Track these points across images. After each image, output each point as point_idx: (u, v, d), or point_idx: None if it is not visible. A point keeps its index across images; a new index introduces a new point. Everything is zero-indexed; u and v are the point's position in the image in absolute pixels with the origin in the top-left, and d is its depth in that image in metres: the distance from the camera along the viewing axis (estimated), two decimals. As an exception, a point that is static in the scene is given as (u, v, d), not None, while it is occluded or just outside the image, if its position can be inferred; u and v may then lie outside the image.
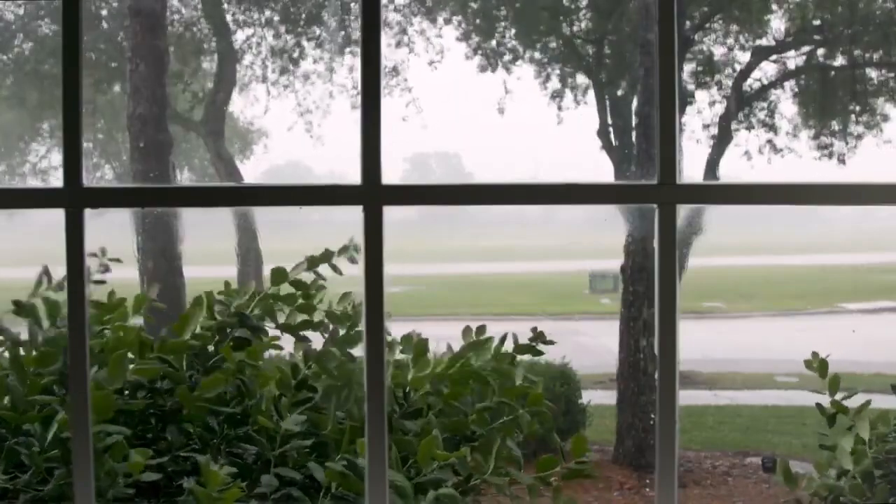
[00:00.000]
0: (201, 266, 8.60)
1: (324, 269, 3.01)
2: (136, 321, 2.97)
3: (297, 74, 9.97)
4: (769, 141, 9.62)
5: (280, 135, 10.88)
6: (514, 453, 2.80)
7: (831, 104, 9.72)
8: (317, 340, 2.96)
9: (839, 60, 9.79)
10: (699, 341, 10.31)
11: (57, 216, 2.15)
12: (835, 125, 9.75)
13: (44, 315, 2.86)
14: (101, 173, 10.69)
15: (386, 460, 2.15)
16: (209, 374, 2.80)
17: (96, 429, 2.50)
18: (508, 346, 2.96)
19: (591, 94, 9.95)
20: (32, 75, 10.00)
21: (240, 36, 10.16)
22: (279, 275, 2.96)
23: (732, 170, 9.56)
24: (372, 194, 2.11)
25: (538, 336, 2.95)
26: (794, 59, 9.80)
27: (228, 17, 10.24)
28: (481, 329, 2.98)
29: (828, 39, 9.59)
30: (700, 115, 9.57)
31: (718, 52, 9.69)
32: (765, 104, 9.70)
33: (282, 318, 2.97)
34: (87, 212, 2.14)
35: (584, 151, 10.26)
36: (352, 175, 2.17)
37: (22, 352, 2.82)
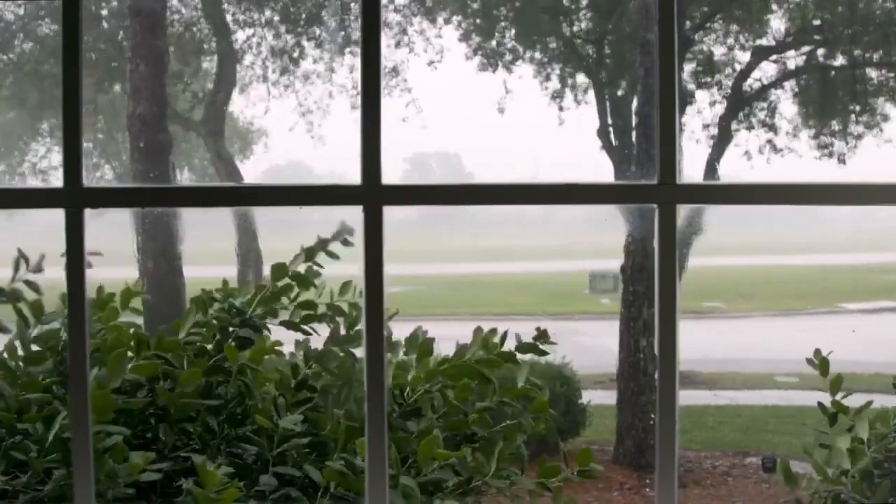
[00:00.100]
0: (201, 266, 8.60)
1: (325, 263, 2.99)
2: (136, 319, 2.97)
3: (298, 74, 9.97)
4: (769, 141, 9.62)
5: (280, 135, 10.89)
6: (521, 451, 2.80)
7: (831, 104, 9.72)
8: (316, 340, 2.96)
9: (839, 60, 9.79)
10: (699, 341, 10.31)
11: (57, 216, 2.15)
12: (835, 125, 9.75)
13: (28, 311, 2.85)
14: (101, 173, 10.69)
15: (386, 460, 2.15)
16: (212, 374, 2.80)
17: (96, 428, 2.49)
18: (510, 345, 2.95)
19: (591, 94, 9.96)
20: (32, 75, 10.00)
21: (240, 36, 10.17)
22: (279, 270, 2.95)
23: (732, 170, 9.57)
24: (372, 194, 2.11)
25: (542, 335, 2.92)
26: (794, 59, 9.81)
27: (228, 17, 10.24)
28: (493, 331, 2.96)
29: (828, 39, 9.59)
30: (700, 115, 9.58)
31: (718, 52, 9.70)
32: (765, 104, 9.71)
33: (284, 316, 2.97)
34: (87, 212, 2.15)
35: (584, 151, 10.27)
36: (352, 175, 2.17)
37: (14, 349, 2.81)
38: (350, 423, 2.71)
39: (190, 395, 2.70)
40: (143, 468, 2.54)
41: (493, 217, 12.73)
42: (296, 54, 9.96)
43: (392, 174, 2.18)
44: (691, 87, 9.52)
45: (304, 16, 10.15)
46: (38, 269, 2.85)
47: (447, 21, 9.92)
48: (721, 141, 9.60)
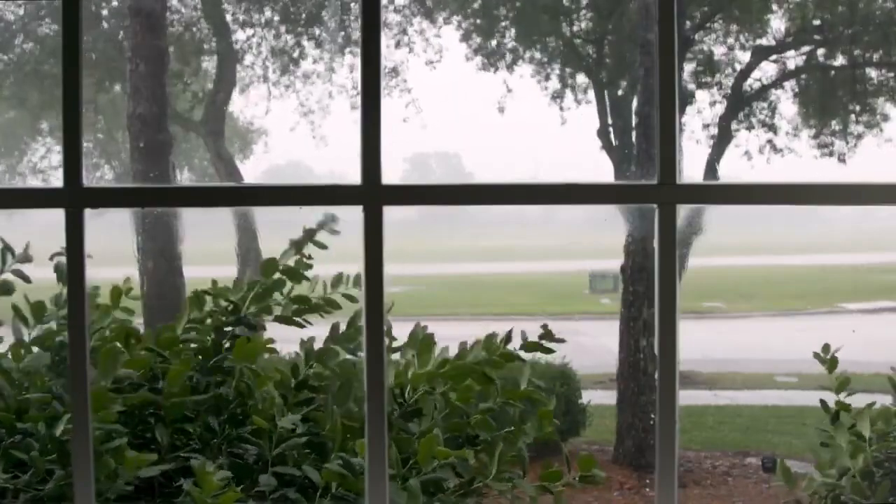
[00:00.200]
0: (201, 266, 8.60)
1: (325, 262, 2.99)
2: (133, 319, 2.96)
3: (298, 74, 9.97)
4: (769, 141, 9.62)
5: (280, 134, 10.89)
6: (523, 454, 2.79)
7: (831, 104, 9.72)
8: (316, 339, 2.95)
9: (839, 60, 9.79)
10: (699, 341, 10.30)
11: (57, 216, 2.15)
12: (835, 125, 9.75)
13: (28, 312, 2.84)
14: (101, 173, 10.69)
15: (386, 460, 2.15)
16: (211, 374, 2.80)
17: (95, 425, 2.49)
18: (514, 344, 2.93)
19: (592, 94, 9.95)
20: (32, 75, 10.00)
21: (240, 36, 10.17)
22: (270, 265, 2.94)
23: (732, 170, 9.56)
24: (372, 194, 2.11)
25: (547, 334, 2.91)
26: (794, 59, 9.80)
27: (228, 17, 10.24)
28: (493, 335, 2.94)
29: (828, 39, 9.59)
30: (700, 115, 9.58)
31: (718, 51, 9.70)
32: (765, 104, 9.71)
33: (279, 312, 2.96)
34: (87, 212, 2.14)
35: (584, 151, 10.27)
36: (352, 175, 2.17)
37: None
38: (350, 422, 2.71)
39: (178, 394, 2.69)
40: (140, 464, 2.53)
41: (493, 217, 12.72)
42: (296, 54, 9.96)
43: (392, 174, 2.18)
44: (691, 87, 9.52)
45: (304, 16, 10.15)
46: (26, 258, 2.84)
47: (447, 21, 9.93)
48: (721, 141, 9.60)
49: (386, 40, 9.47)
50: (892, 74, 9.63)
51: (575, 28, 10.17)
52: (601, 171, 9.83)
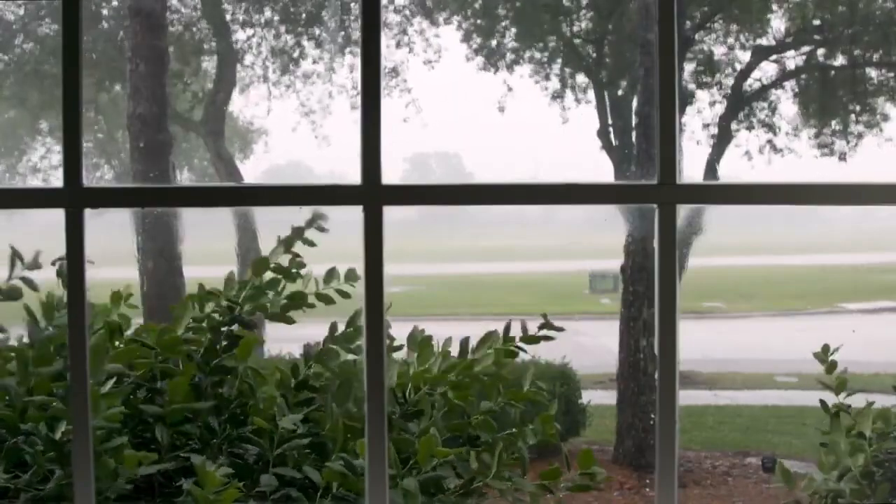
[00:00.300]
0: (201, 266, 8.60)
1: (325, 261, 2.99)
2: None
3: (298, 74, 9.98)
4: (769, 141, 9.62)
5: (280, 134, 10.89)
6: (523, 453, 2.79)
7: (831, 104, 9.72)
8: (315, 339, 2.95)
9: (839, 60, 9.80)
10: (699, 341, 10.30)
11: (57, 216, 2.15)
12: (835, 125, 9.75)
13: (39, 313, 2.84)
14: (101, 173, 10.69)
15: (386, 460, 2.15)
16: (213, 375, 2.80)
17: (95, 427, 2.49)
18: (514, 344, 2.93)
19: (591, 94, 9.96)
20: (33, 75, 10.00)
21: (240, 36, 10.17)
22: (261, 264, 2.94)
23: (732, 170, 9.57)
24: (372, 194, 2.11)
25: (547, 324, 2.91)
26: (794, 59, 9.81)
27: (228, 17, 10.25)
28: (494, 333, 2.94)
29: (828, 39, 9.59)
30: (700, 115, 9.58)
31: (718, 51, 9.70)
32: (765, 104, 9.71)
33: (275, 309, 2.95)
34: (87, 212, 2.14)
35: (584, 151, 10.27)
36: (352, 175, 2.17)
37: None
38: (351, 423, 2.71)
39: (180, 399, 2.69)
40: (139, 462, 2.53)
41: (493, 217, 12.72)
42: (296, 54, 9.97)
43: (392, 174, 2.18)
44: (691, 87, 9.52)
45: (304, 16, 10.15)
46: (35, 265, 2.84)
47: (447, 21, 9.93)
48: (721, 141, 9.60)
49: (386, 40, 9.48)
50: (892, 74, 9.63)
51: (575, 28, 10.17)
52: (601, 171, 9.84)
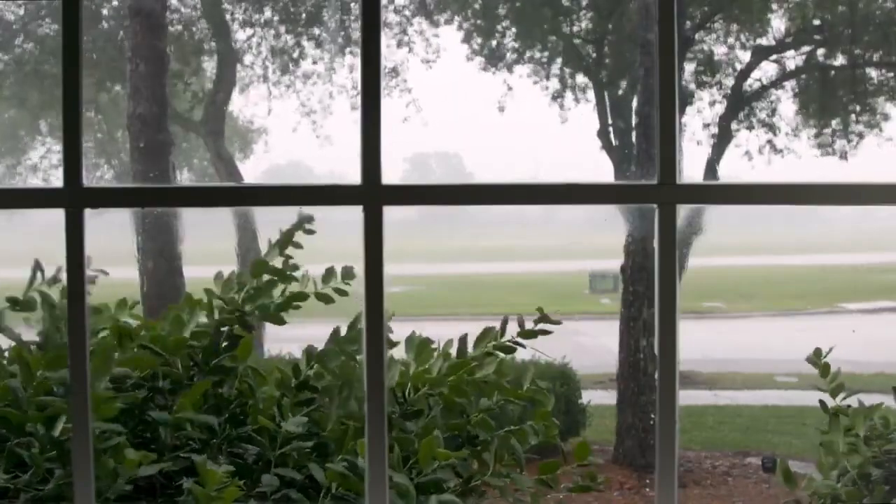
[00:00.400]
0: (201, 266, 8.59)
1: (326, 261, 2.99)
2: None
3: (298, 74, 9.98)
4: (769, 141, 9.63)
5: (280, 134, 10.90)
6: (518, 451, 2.79)
7: (831, 104, 9.72)
8: (317, 340, 2.95)
9: (839, 60, 9.80)
10: (699, 341, 10.31)
11: (57, 216, 2.14)
12: (835, 125, 9.76)
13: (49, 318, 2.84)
14: (101, 173, 10.69)
15: (386, 460, 2.15)
16: (212, 374, 2.80)
17: (96, 426, 2.49)
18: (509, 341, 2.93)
19: (591, 94, 9.96)
20: (33, 75, 10.00)
21: (240, 36, 10.17)
22: (259, 265, 2.94)
23: (732, 170, 9.57)
24: (372, 194, 2.11)
25: (544, 318, 2.91)
26: (794, 59, 9.81)
27: (228, 17, 10.25)
28: (491, 330, 2.95)
29: (828, 39, 9.60)
30: (700, 115, 9.58)
31: (719, 51, 9.71)
32: (765, 104, 9.71)
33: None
34: (87, 212, 2.14)
35: (585, 151, 10.27)
36: (352, 175, 2.16)
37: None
38: (355, 423, 2.71)
39: (189, 409, 2.69)
40: (139, 463, 2.53)
41: (493, 217, 12.72)
42: (296, 54, 9.97)
43: (392, 174, 2.18)
44: (691, 87, 9.52)
45: (304, 16, 10.16)
46: (55, 280, 2.85)
47: (448, 21, 9.93)
48: (721, 141, 9.60)
49: (386, 40, 9.48)
50: (892, 74, 9.63)
51: (575, 28, 10.18)
52: (601, 171, 9.85)
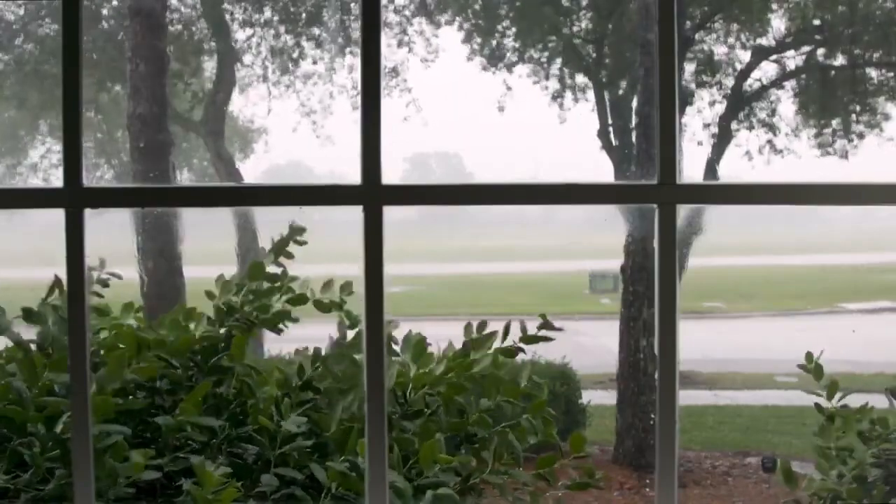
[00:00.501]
0: (201, 266, 8.59)
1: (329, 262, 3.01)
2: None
3: (298, 74, 9.98)
4: (769, 141, 9.62)
5: (280, 134, 10.89)
6: (517, 448, 2.79)
7: (831, 104, 9.72)
8: (319, 339, 2.95)
9: (839, 60, 9.80)
10: (699, 341, 10.30)
11: (57, 216, 2.14)
12: (835, 125, 9.76)
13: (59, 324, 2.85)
14: (101, 173, 10.69)
15: (386, 460, 2.15)
16: (211, 375, 2.80)
17: (95, 429, 2.49)
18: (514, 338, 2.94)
19: (591, 94, 9.96)
20: (33, 75, 10.00)
21: (240, 36, 10.17)
22: (257, 269, 2.95)
23: (732, 170, 9.57)
24: (372, 194, 2.11)
25: (546, 324, 2.92)
26: (794, 59, 9.81)
27: (228, 17, 10.25)
28: (482, 325, 2.97)
29: (828, 39, 9.59)
30: (700, 115, 9.58)
31: (719, 51, 9.70)
32: (765, 104, 9.71)
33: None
34: (87, 212, 2.14)
35: (584, 151, 10.27)
36: (352, 175, 2.16)
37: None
38: (359, 424, 2.71)
39: (191, 412, 2.69)
40: (144, 466, 2.53)
41: (493, 217, 12.72)
42: (296, 54, 9.97)
43: (392, 174, 2.18)
44: (691, 87, 9.52)
45: (304, 16, 10.15)
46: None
47: (448, 22, 9.93)
48: (721, 141, 9.60)
49: (386, 40, 9.48)
50: (892, 74, 9.63)
51: (575, 28, 10.17)
52: (601, 171, 9.84)
